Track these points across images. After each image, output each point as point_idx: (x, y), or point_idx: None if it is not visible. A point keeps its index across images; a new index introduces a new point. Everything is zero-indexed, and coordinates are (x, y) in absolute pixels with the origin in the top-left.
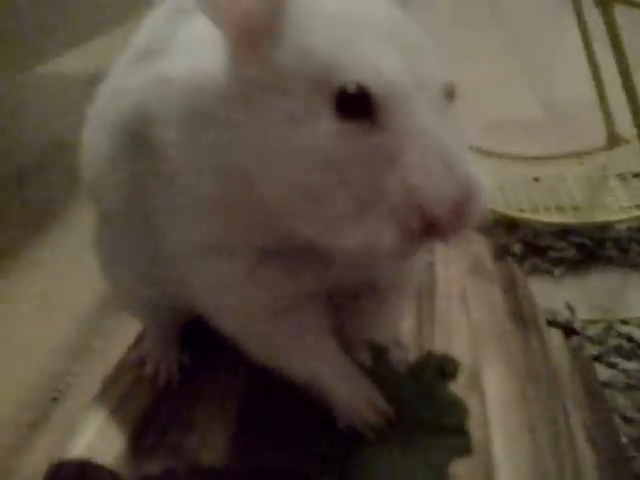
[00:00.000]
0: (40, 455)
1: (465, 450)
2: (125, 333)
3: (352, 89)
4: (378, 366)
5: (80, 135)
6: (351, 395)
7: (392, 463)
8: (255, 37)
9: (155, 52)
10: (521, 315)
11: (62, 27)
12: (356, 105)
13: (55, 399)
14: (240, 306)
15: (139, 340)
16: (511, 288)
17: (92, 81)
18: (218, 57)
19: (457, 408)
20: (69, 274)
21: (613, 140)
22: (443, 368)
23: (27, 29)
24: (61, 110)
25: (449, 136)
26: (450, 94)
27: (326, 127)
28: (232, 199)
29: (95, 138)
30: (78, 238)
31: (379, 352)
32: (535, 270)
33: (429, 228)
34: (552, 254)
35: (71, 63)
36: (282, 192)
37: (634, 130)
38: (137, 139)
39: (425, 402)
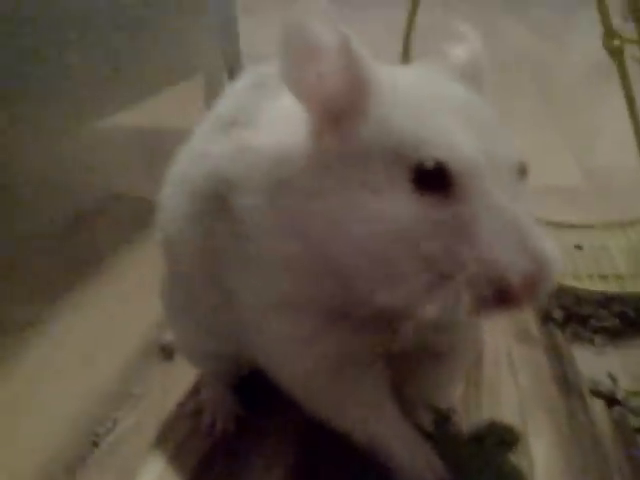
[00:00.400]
0: None
1: None
2: (166, 381)
3: (430, 165)
4: (440, 431)
5: (159, 196)
6: (411, 457)
7: None
8: (338, 114)
9: (239, 122)
10: (566, 382)
11: (118, 85)
12: (433, 180)
13: (95, 443)
14: (305, 360)
15: (195, 390)
16: (556, 354)
17: (144, 138)
18: (301, 130)
19: (517, 477)
20: (113, 321)
21: None
22: (504, 437)
23: (87, 87)
24: (115, 163)
25: (522, 211)
26: (522, 171)
27: (404, 198)
28: (306, 262)
29: (174, 199)
30: (126, 287)
31: (441, 417)
32: (576, 338)
33: (502, 298)
34: (594, 322)
35: (126, 120)
36: (358, 258)
37: None
38: (216, 201)
39: (486, 470)
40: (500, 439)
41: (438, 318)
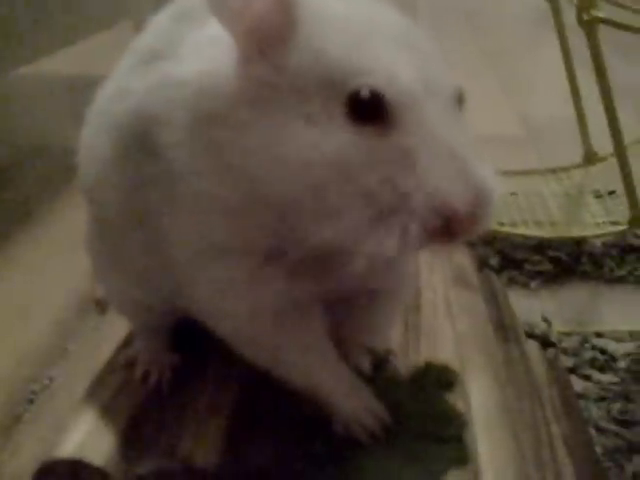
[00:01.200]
0: (16, 456)
1: (462, 460)
2: (101, 335)
3: (366, 94)
4: (378, 374)
5: (79, 135)
6: (350, 400)
7: (389, 470)
8: (266, 40)
9: (161, 55)
10: (503, 326)
11: (47, 29)
12: (369, 109)
13: (31, 401)
14: (241, 308)
15: (128, 341)
16: (493, 299)
17: (73, 84)
18: (228, 60)
19: (455, 419)
20: (45, 275)
21: (590, 158)
22: (442, 379)
23: (11, 30)
24: (42, 112)
25: (461, 139)
26: (460, 99)
27: (339, 130)
28: (240, 200)
29: (95, 140)
30: (55, 241)
31: (379, 360)
32: (512, 283)
33: (447, 228)
34: (528, 267)
35: (54, 66)
36: (293, 193)
37: (610, 148)
38: (140, 141)
39: (424, 411)
40: (438, 380)
41: (382, 251)
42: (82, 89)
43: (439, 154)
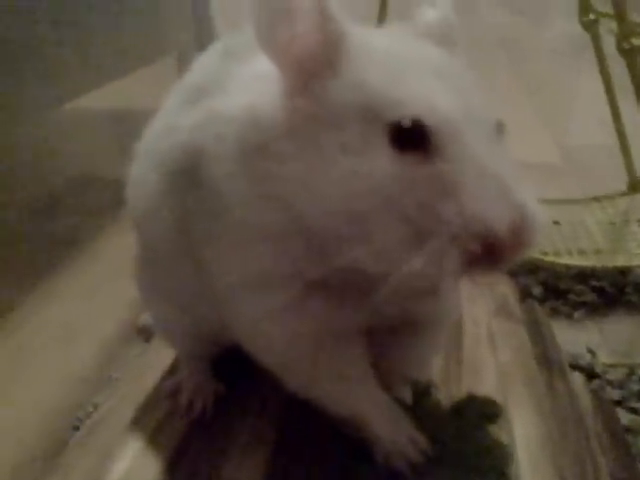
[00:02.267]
0: None
1: None
2: (146, 363)
3: (407, 123)
4: (420, 404)
5: (124, 167)
6: (392, 430)
7: None
8: (312, 73)
9: (208, 92)
10: (546, 357)
11: (92, 66)
12: (411, 138)
13: (76, 428)
14: (283, 337)
15: (173, 370)
16: (536, 330)
17: (115, 119)
18: (274, 94)
19: (498, 451)
20: (91, 305)
21: (634, 186)
22: (485, 411)
23: (58, 66)
24: (89, 144)
25: (503, 166)
26: (500, 129)
27: (382, 157)
28: (285, 229)
29: (143, 175)
30: (101, 269)
31: (421, 391)
32: (555, 313)
33: (488, 253)
34: (572, 297)
35: (96, 102)
36: (336, 221)
37: None
38: (187, 176)
39: (466, 443)
40: (480, 412)
41: (420, 279)
42: (126, 122)
43: (480, 179)
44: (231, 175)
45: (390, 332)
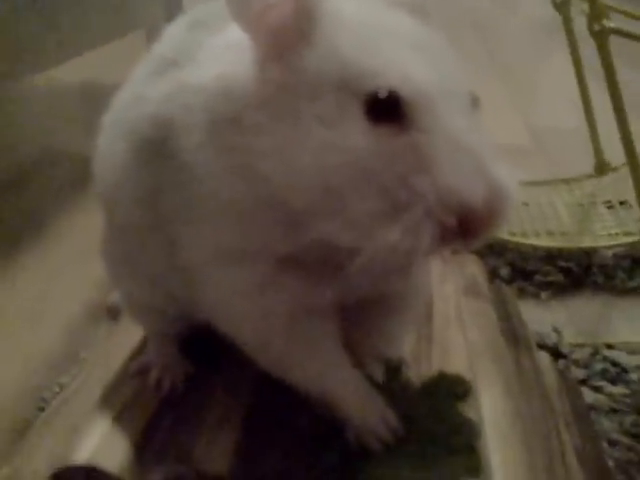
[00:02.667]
0: (30, 461)
1: (474, 470)
2: (114, 342)
3: (383, 94)
4: (391, 382)
5: (93, 143)
6: (363, 408)
7: (400, 478)
8: (285, 42)
9: (176, 63)
10: (514, 335)
11: (59, 39)
12: (386, 109)
13: (42, 408)
14: (256, 313)
15: (141, 349)
16: (503, 309)
17: (85, 92)
18: (246, 65)
19: (468, 428)
20: (57, 282)
21: (601, 168)
22: (455, 389)
23: (22, 39)
24: (54, 119)
25: (477, 139)
26: (474, 102)
27: (356, 129)
28: (257, 203)
29: (111, 147)
30: (68, 247)
31: (392, 369)
32: (522, 293)
33: (462, 227)
34: (539, 278)
35: (66, 74)
36: (311, 194)
37: (622, 159)
38: (156, 147)
39: (437, 421)
40: (450, 390)
41: (394, 252)
42: (94, 97)
43: (455, 152)
44: (200, 146)
45: (361, 308)
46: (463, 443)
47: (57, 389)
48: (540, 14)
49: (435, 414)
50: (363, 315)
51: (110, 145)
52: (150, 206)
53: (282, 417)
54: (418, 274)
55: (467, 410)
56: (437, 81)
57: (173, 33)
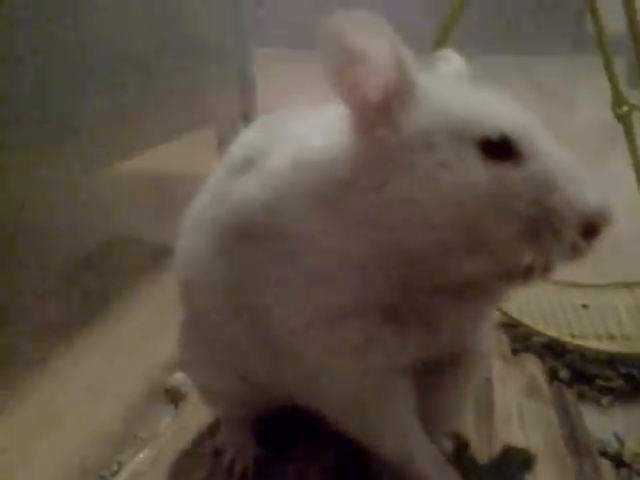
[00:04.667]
0: None
1: None
2: (178, 426)
3: (495, 137)
4: (460, 457)
5: (177, 240)
6: (440, 477)
7: None
8: (388, 107)
9: (255, 161)
10: (575, 440)
11: (131, 131)
12: (499, 150)
13: None
14: (356, 372)
15: (211, 432)
16: (565, 412)
17: (152, 182)
18: (342, 134)
19: None
20: (119, 362)
21: None
22: (520, 461)
23: (101, 132)
24: (124, 208)
25: (575, 160)
26: None
27: (476, 167)
28: (372, 253)
29: (193, 245)
30: (132, 326)
31: (461, 444)
32: (582, 398)
33: (589, 236)
34: (600, 382)
35: (139, 166)
36: (449, 233)
37: None
38: (246, 233)
39: None
40: (517, 462)
41: (543, 265)
42: (161, 187)
43: (567, 172)
44: (305, 217)
45: (434, 376)
46: None
47: (115, 467)
48: (599, 119)
49: None
50: (433, 387)
51: (192, 240)
52: (236, 287)
53: None
54: (484, 344)
55: None
56: (532, 122)
57: (248, 138)
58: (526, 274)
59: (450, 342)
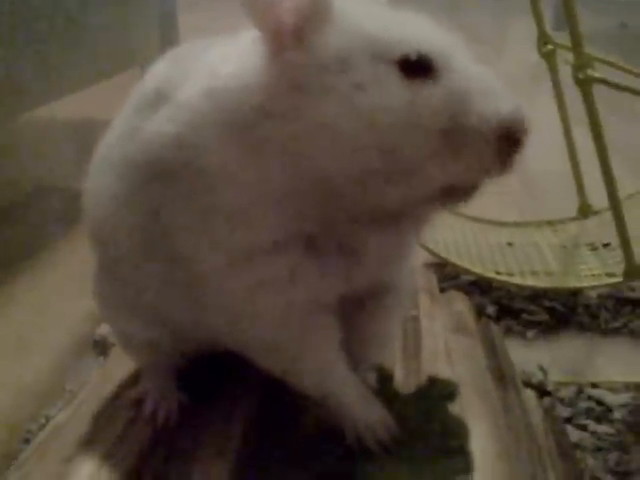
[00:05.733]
0: None
1: (466, 469)
2: (103, 376)
3: (413, 56)
4: (385, 388)
5: (86, 182)
6: (364, 412)
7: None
8: (303, 29)
9: (166, 94)
10: (501, 373)
11: (54, 77)
12: (417, 68)
13: (27, 440)
14: (276, 306)
15: (134, 381)
16: (491, 347)
17: (78, 128)
18: (254, 59)
19: (459, 430)
20: (44, 315)
21: (585, 211)
22: (444, 391)
23: (17, 77)
24: (46, 156)
25: (493, 76)
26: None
27: (396, 88)
28: (292, 185)
29: (102, 183)
30: (55, 282)
31: (385, 376)
32: (509, 332)
33: (512, 147)
34: (525, 317)
35: (59, 111)
36: (369, 156)
37: (606, 202)
38: (158, 169)
39: (429, 424)
40: (440, 393)
41: (469, 181)
42: (87, 133)
43: (485, 86)
44: (219, 150)
45: (355, 310)
46: (454, 444)
47: (43, 421)
48: (526, 58)
49: (427, 416)
50: (356, 321)
51: (100, 182)
52: (149, 230)
53: (277, 450)
54: (405, 279)
55: (459, 412)
56: (451, 42)
57: (158, 69)
58: (449, 195)
59: (373, 274)
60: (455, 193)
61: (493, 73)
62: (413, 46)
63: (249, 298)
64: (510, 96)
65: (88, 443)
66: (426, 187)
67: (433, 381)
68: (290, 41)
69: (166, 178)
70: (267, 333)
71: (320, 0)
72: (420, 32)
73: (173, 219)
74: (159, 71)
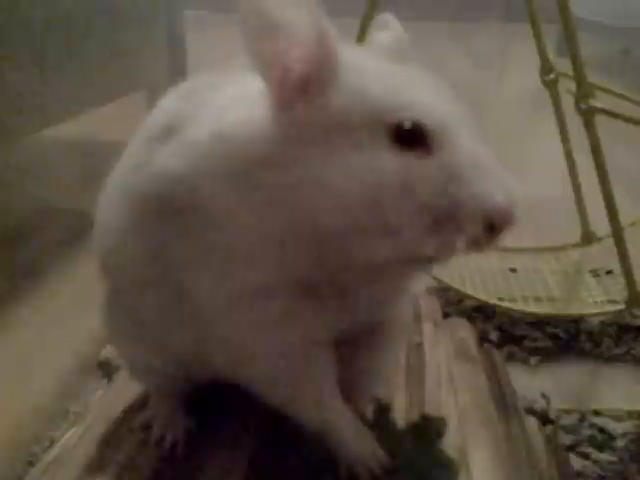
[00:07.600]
0: None
1: None
2: (109, 399)
3: (407, 125)
4: (380, 421)
5: (89, 200)
6: (357, 444)
7: None
8: (309, 85)
9: (175, 130)
10: (503, 401)
11: (61, 98)
12: (412, 138)
13: (31, 463)
14: (274, 347)
15: (141, 405)
16: (493, 374)
17: (83, 150)
18: (261, 110)
19: (449, 467)
20: (49, 336)
21: (588, 238)
22: (438, 428)
23: (25, 98)
24: (52, 177)
25: (492, 156)
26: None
27: (385, 154)
28: (285, 233)
29: (110, 212)
30: (62, 302)
31: (382, 408)
32: (511, 358)
33: (490, 227)
34: (528, 343)
35: (66, 133)
36: (354, 211)
37: (608, 230)
38: (162, 204)
39: (421, 458)
40: (434, 429)
41: (444, 256)
42: (89, 154)
43: (478, 166)
44: (221, 193)
45: (352, 344)
46: (444, 478)
47: (47, 443)
48: (530, 84)
49: (420, 451)
50: (353, 351)
51: (110, 209)
52: (154, 262)
53: (282, 476)
54: (403, 312)
55: (448, 449)
56: (452, 112)
57: (168, 103)
58: (429, 261)
59: (365, 314)
60: (433, 260)
61: (492, 153)
62: (407, 114)
63: (247, 336)
64: (505, 181)
65: (96, 467)
66: (407, 252)
67: (427, 418)
68: (295, 95)
69: (171, 213)
70: (265, 370)
71: (327, 55)
72: (419, 98)
73: (176, 253)
74: (169, 106)
